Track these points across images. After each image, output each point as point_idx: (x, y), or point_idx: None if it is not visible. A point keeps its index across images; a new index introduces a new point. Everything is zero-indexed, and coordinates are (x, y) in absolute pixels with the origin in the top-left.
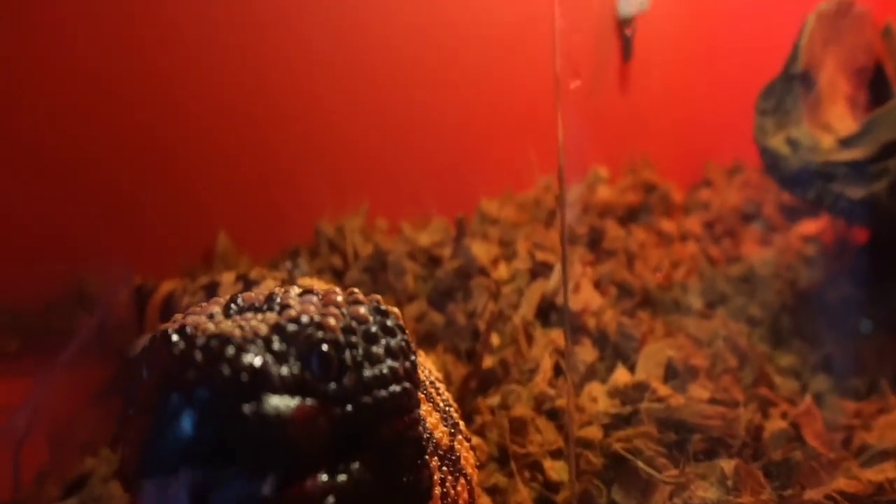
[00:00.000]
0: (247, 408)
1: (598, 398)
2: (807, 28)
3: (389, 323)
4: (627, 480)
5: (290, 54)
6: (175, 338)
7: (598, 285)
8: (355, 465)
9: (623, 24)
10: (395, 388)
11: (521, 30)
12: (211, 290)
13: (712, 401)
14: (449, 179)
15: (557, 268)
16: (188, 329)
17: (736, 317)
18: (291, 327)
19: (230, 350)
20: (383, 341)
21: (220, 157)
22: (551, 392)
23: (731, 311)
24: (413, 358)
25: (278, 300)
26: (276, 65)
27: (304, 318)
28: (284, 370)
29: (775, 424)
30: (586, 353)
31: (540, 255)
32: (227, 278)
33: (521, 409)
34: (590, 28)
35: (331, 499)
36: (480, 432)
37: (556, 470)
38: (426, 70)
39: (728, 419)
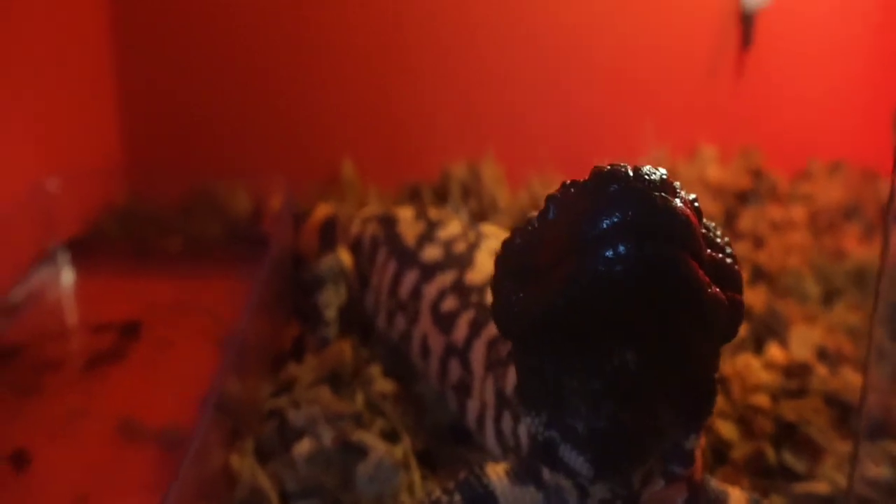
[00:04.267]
0: (671, 203)
1: (756, 370)
2: None
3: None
4: (798, 446)
5: None
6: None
7: None
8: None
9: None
10: (737, 266)
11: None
12: (388, 224)
13: (869, 386)
14: (569, 138)
15: None
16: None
17: (856, 310)
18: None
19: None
20: (728, 238)
21: (352, 87)
22: None
23: (850, 306)
24: None
25: None
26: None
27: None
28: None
29: None
30: None
31: None
32: (406, 214)
33: None
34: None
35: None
36: None
37: (727, 430)
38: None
39: (886, 406)
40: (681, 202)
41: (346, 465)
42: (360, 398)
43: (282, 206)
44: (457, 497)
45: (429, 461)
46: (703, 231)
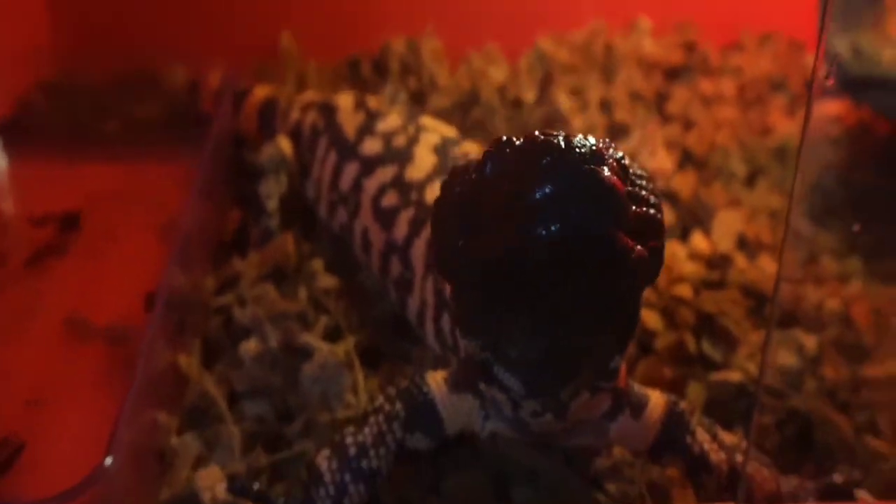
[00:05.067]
0: (599, 174)
1: (681, 260)
2: None
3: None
4: (716, 336)
5: None
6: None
7: (666, 146)
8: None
9: None
10: (661, 215)
11: None
12: (328, 112)
13: (782, 277)
14: (509, 12)
15: (635, 133)
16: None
17: (777, 190)
18: (600, 146)
19: (575, 144)
20: (651, 184)
21: None
22: None
23: (772, 184)
24: None
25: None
26: None
27: (606, 143)
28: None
29: (832, 303)
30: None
31: (616, 113)
32: (346, 102)
33: None
34: None
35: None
36: None
37: (652, 320)
38: None
39: (796, 295)
40: (609, 170)
41: (292, 366)
42: (303, 294)
43: (221, 85)
44: (398, 405)
45: (372, 357)
46: (630, 188)
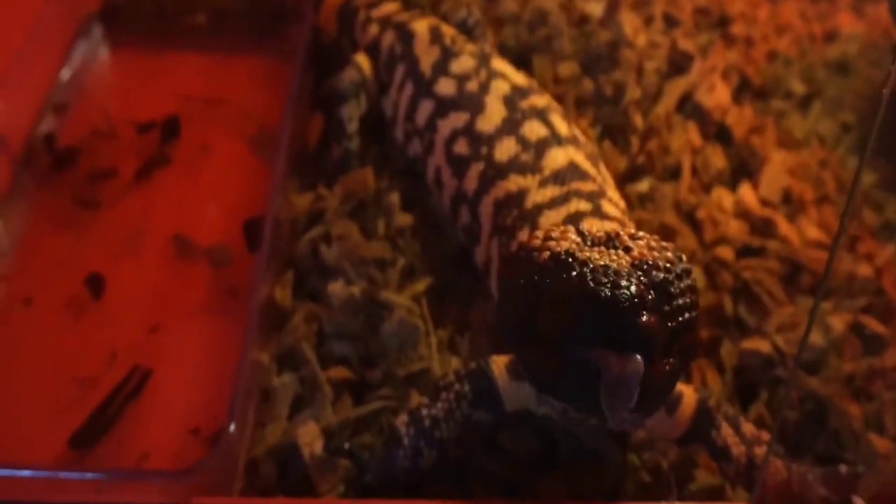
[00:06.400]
0: (643, 320)
1: (727, 216)
2: None
3: (686, 266)
4: (751, 302)
5: None
6: (587, 273)
7: (725, 75)
8: (676, 359)
9: None
10: (694, 313)
11: None
12: (405, 39)
13: (818, 244)
14: None
15: (696, 64)
16: (588, 262)
17: (831, 114)
18: (642, 266)
19: (622, 280)
20: (686, 279)
21: None
22: (692, 200)
23: (827, 106)
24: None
25: (618, 241)
26: None
27: (649, 261)
28: (648, 296)
29: (863, 271)
30: (717, 157)
31: (680, 42)
32: (422, 30)
33: (669, 217)
34: None
35: (671, 372)
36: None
37: (695, 277)
38: None
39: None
40: (647, 310)
41: (374, 317)
42: (381, 229)
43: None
44: (466, 386)
45: (442, 299)
46: (667, 307)
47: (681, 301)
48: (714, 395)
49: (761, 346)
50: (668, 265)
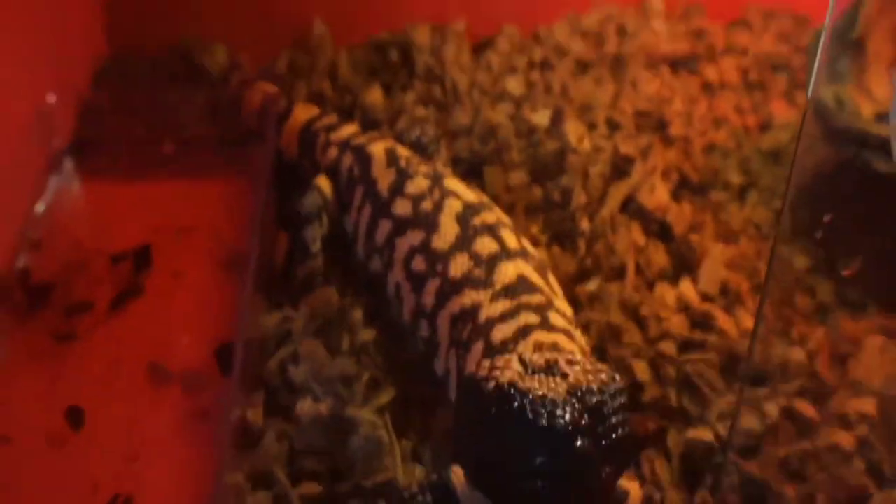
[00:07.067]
0: (578, 445)
1: (669, 312)
2: None
3: (619, 385)
4: (694, 393)
5: None
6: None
7: (664, 175)
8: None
9: None
10: (626, 428)
11: None
12: (363, 161)
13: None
14: None
15: (637, 166)
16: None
17: (766, 203)
18: (577, 392)
19: (558, 409)
20: (618, 398)
21: None
22: (637, 298)
23: (762, 195)
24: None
25: (557, 367)
26: None
27: (583, 386)
28: (583, 421)
29: (796, 355)
30: (659, 255)
31: (622, 146)
32: (379, 154)
33: (615, 316)
34: None
35: (607, 481)
36: (585, 327)
37: (641, 370)
38: None
39: (765, 354)
40: (581, 436)
41: (341, 432)
42: (346, 344)
43: (263, 105)
44: (429, 497)
45: (405, 408)
46: (601, 428)
47: (614, 420)
48: (662, 485)
49: (704, 434)
50: (602, 386)
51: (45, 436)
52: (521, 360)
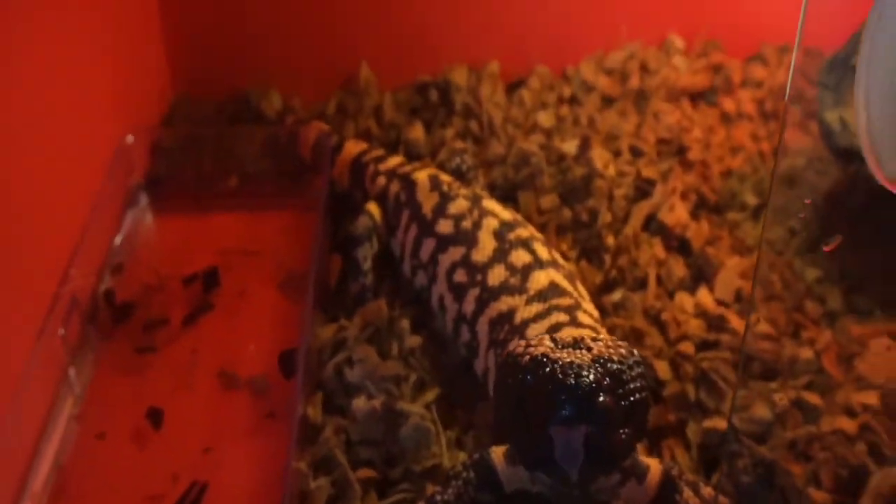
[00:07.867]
0: (602, 401)
1: (688, 311)
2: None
3: (637, 358)
4: (710, 388)
5: None
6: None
7: (683, 196)
8: (630, 429)
9: None
10: (644, 393)
11: None
12: (409, 187)
13: (765, 336)
14: (552, 31)
15: (658, 188)
16: (558, 360)
17: (780, 222)
18: (600, 360)
19: (583, 371)
20: (636, 369)
21: None
22: (658, 305)
23: (776, 215)
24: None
25: (582, 343)
26: None
27: (605, 356)
28: (605, 381)
29: (805, 354)
30: (678, 267)
31: (644, 170)
32: (423, 180)
33: (638, 321)
34: None
35: (626, 439)
36: (610, 331)
37: (662, 369)
38: None
39: (776, 351)
40: (604, 393)
41: (393, 424)
42: (395, 350)
43: (317, 141)
44: (471, 473)
45: (449, 406)
46: (620, 391)
47: (631, 385)
48: (677, 466)
49: (718, 424)
50: (621, 358)
51: (131, 433)
52: (552, 339)
